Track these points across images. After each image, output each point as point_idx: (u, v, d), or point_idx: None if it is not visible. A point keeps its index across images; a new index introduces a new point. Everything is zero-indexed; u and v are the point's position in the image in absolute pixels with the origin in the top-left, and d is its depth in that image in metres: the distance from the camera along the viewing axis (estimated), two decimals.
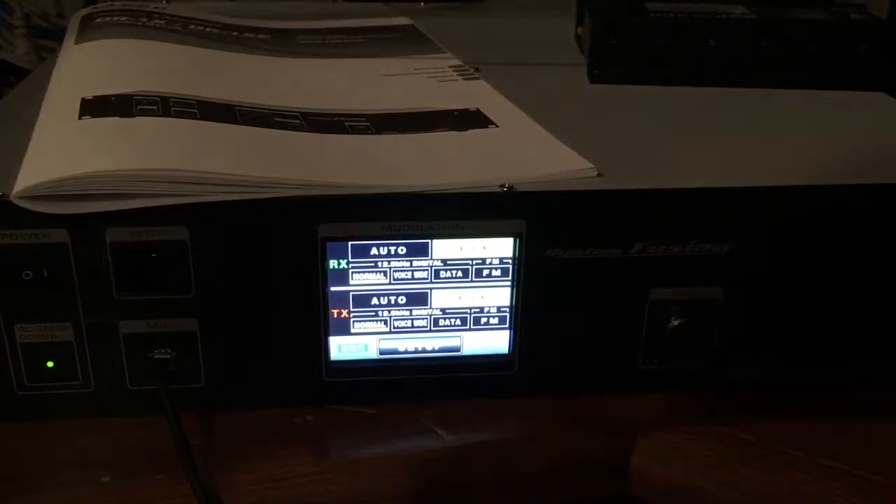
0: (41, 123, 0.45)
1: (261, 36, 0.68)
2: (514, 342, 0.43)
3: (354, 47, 0.67)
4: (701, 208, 0.41)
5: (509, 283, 0.42)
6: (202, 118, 0.45)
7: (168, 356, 0.41)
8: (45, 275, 0.39)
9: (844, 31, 0.58)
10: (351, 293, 0.42)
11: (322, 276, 0.41)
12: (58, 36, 0.78)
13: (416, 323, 0.43)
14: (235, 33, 0.67)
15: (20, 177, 0.38)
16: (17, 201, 0.37)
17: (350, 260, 0.41)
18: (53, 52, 0.64)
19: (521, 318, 0.43)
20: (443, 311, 0.43)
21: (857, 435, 0.42)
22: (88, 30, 0.62)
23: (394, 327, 0.43)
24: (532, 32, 0.76)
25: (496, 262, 0.42)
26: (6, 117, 0.50)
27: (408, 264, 0.41)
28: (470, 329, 0.43)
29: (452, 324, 0.43)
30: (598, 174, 0.42)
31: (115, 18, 0.65)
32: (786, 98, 0.56)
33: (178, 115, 0.45)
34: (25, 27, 0.95)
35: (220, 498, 0.37)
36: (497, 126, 0.49)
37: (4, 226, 0.38)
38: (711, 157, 0.46)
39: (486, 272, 0.42)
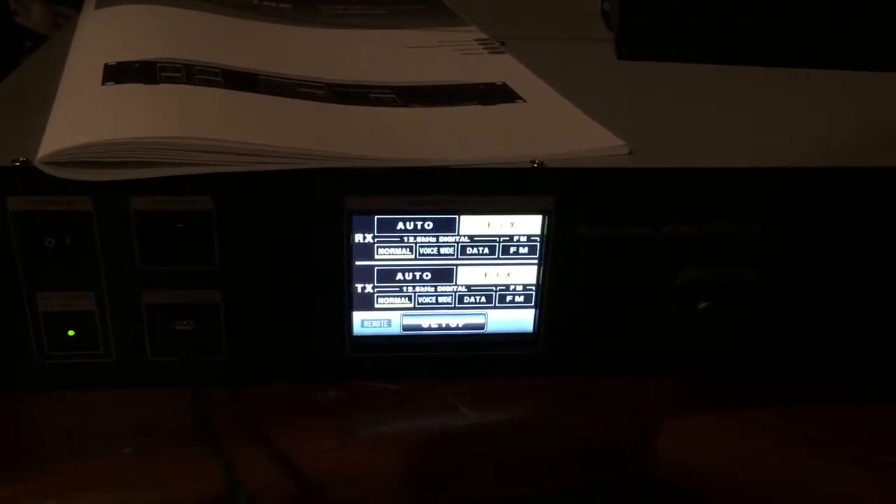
0: (64, 89, 0.44)
1: (282, 5, 0.67)
2: (540, 321, 0.43)
3: (377, 18, 0.66)
4: (734, 188, 0.41)
5: (536, 261, 0.41)
6: (226, 86, 0.44)
7: (190, 328, 0.40)
8: (68, 242, 0.38)
9: (882, 9, 0.57)
10: (376, 268, 0.41)
11: (347, 250, 0.40)
12: (73, 2, 0.78)
13: (441, 299, 0.42)
14: (255, 1, 0.66)
15: (44, 142, 0.37)
16: (41, 167, 0.36)
17: (376, 234, 0.40)
18: (69, 19, 0.63)
19: (548, 296, 0.42)
20: (468, 287, 0.42)
21: (890, 422, 0.42)
22: None
23: (418, 303, 0.42)
24: (557, 6, 0.74)
25: (524, 239, 0.41)
26: (26, 82, 0.50)
27: (434, 240, 0.41)
28: (495, 307, 0.42)
29: (477, 301, 0.42)
30: (630, 152, 0.41)
31: None
32: (820, 77, 0.55)
33: (203, 82, 0.44)
34: None
35: (241, 472, 0.37)
36: (524, 101, 0.48)
37: (28, 192, 0.37)
38: (745, 136, 0.45)
39: (513, 249, 0.41)
